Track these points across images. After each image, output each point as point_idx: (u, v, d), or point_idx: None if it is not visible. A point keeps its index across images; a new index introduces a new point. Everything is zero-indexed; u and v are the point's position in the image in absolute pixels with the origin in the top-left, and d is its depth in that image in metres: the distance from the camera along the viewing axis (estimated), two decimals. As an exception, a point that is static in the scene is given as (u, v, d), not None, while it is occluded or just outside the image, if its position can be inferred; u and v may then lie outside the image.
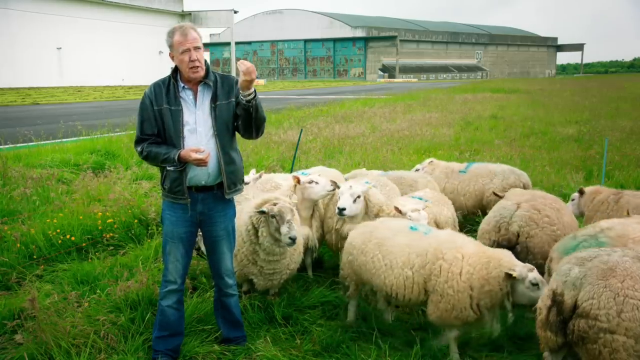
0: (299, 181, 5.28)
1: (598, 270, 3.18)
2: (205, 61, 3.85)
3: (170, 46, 3.76)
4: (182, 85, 3.81)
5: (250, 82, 3.61)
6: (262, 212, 4.43)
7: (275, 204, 4.41)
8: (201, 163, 3.70)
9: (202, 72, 3.77)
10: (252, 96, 3.67)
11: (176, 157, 3.70)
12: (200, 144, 3.77)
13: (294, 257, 4.84)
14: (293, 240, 4.28)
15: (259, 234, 4.50)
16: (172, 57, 3.79)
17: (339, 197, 5.15)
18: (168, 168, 3.81)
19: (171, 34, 3.75)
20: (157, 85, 3.85)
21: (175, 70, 3.84)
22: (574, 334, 3.17)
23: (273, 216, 4.36)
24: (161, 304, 4.02)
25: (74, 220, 6.54)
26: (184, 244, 3.97)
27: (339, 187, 5.25)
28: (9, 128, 16.04)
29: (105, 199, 7.39)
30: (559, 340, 3.31)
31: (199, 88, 3.84)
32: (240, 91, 3.67)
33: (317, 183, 5.24)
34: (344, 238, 5.30)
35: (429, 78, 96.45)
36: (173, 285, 3.99)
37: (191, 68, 3.71)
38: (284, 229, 4.30)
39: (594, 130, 16.23)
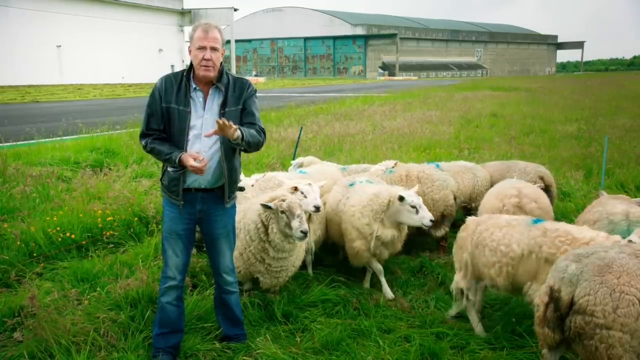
0: (296, 188, 5.29)
1: (594, 267, 3.19)
2: (222, 63, 3.79)
3: (191, 40, 3.72)
4: (193, 85, 3.76)
5: (226, 134, 3.54)
6: (268, 208, 4.44)
7: (283, 200, 4.44)
8: (197, 172, 3.66)
9: (212, 74, 3.70)
10: (238, 140, 3.59)
11: (177, 160, 3.66)
12: (204, 150, 3.74)
13: (299, 254, 4.87)
14: (305, 234, 4.29)
15: (269, 230, 4.50)
16: (189, 51, 3.75)
17: (419, 210, 5.09)
18: (168, 168, 3.79)
19: (195, 28, 3.72)
20: (168, 80, 3.78)
21: (190, 68, 3.79)
22: (571, 331, 3.19)
23: (283, 212, 4.38)
24: (161, 301, 4.01)
25: (73, 218, 6.54)
26: (183, 240, 3.96)
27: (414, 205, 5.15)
28: (9, 126, 16.03)
29: (105, 196, 7.40)
30: (556, 337, 3.32)
31: (210, 91, 3.77)
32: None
33: (305, 197, 5.15)
34: (385, 243, 5.26)
35: (429, 76, 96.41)
36: (173, 281, 3.98)
37: (202, 66, 3.66)
38: (295, 223, 4.31)
39: (593, 128, 16.23)
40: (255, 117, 3.89)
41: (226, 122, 3.48)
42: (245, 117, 3.88)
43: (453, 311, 4.76)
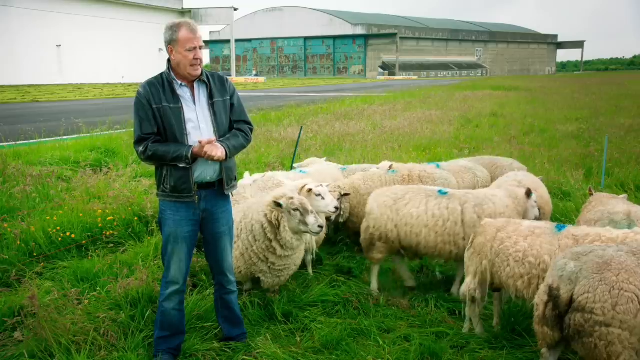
0: (310, 190, 5.27)
1: (593, 265, 3.20)
2: None
3: (173, 41, 3.68)
4: (179, 82, 3.79)
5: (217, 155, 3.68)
6: (280, 205, 4.46)
7: (292, 198, 4.48)
8: (220, 158, 3.68)
9: (200, 70, 3.78)
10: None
11: (189, 154, 3.66)
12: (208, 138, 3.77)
13: (299, 252, 4.89)
14: (322, 228, 4.47)
15: (281, 228, 4.52)
16: (171, 52, 3.72)
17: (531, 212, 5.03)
18: (179, 165, 3.73)
19: (176, 28, 3.67)
20: (151, 84, 3.77)
21: (169, 67, 3.79)
22: (571, 328, 3.19)
23: (296, 209, 4.42)
24: (163, 306, 3.98)
25: (73, 218, 6.54)
26: (187, 244, 3.93)
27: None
28: (9, 126, 16.04)
29: (105, 196, 7.40)
30: (556, 336, 3.33)
31: (195, 85, 3.83)
32: None
33: (323, 199, 5.22)
34: None
35: (429, 75, 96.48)
36: (175, 285, 3.96)
37: (192, 65, 3.70)
38: (311, 219, 4.40)
39: (593, 127, 16.24)
40: (244, 114, 4.05)
41: (205, 142, 3.64)
42: (234, 114, 3.98)
43: (468, 324, 4.54)
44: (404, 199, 5.31)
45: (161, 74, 3.81)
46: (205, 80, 3.83)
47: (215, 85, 3.88)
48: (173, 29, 3.69)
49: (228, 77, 4.08)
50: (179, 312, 4.03)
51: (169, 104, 3.73)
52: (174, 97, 3.75)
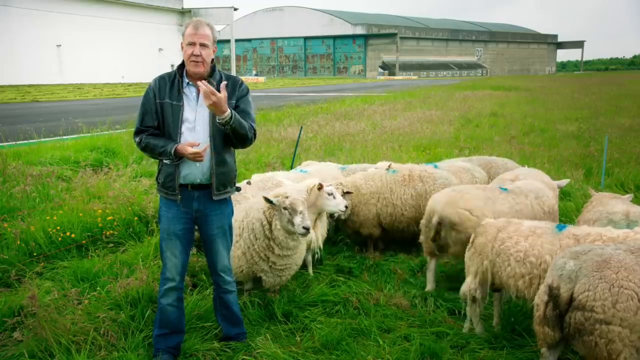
0: (321, 187, 5.27)
1: (593, 263, 3.21)
2: (212, 60, 3.84)
3: (182, 36, 3.80)
4: (186, 81, 3.82)
5: (214, 105, 3.54)
6: (270, 202, 4.47)
7: (286, 197, 4.48)
8: (197, 157, 3.68)
9: (202, 69, 3.76)
10: (225, 119, 3.61)
11: (172, 151, 3.69)
12: (197, 142, 3.77)
13: (301, 252, 4.90)
14: (307, 229, 4.37)
15: (273, 227, 4.54)
16: (182, 48, 3.82)
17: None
18: (165, 161, 3.81)
19: (187, 24, 3.80)
20: (161, 79, 3.86)
21: (182, 65, 3.85)
22: (571, 327, 3.20)
23: (285, 208, 4.43)
24: (161, 302, 4.00)
25: (73, 218, 6.54)
26: (181, 241, 3.95)
27: None
28: (9, 125, 16.04)
29: (105, 196, 7.40)
30: (556, 335, 3.33)
31: None
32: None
33: (334, 198, 5.30)
34: None
35: (429, 75, 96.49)
36: (172, 282, 3.97)
37: (192, 61, 3.72)
38: (297, 219, 4.37)
39: (593, 127, 16.25)
40: (249, 116, 3.91)
41: (211, 88, 3.50)
42: (239, 115, 3.91)
43: (468, 324, 4.53)
44: (490, 199, 5.16)
45: (175, 71, 3.86)
46: (215, 83, 3.81)
47: (226, 89, 3.85)
48: (185, 25, 3.81)
49: (243, 80, 4.05)
50: (177, 309, 4.03)
51: (171, 101, 3.78)
52: (178, 95, 3.79)
